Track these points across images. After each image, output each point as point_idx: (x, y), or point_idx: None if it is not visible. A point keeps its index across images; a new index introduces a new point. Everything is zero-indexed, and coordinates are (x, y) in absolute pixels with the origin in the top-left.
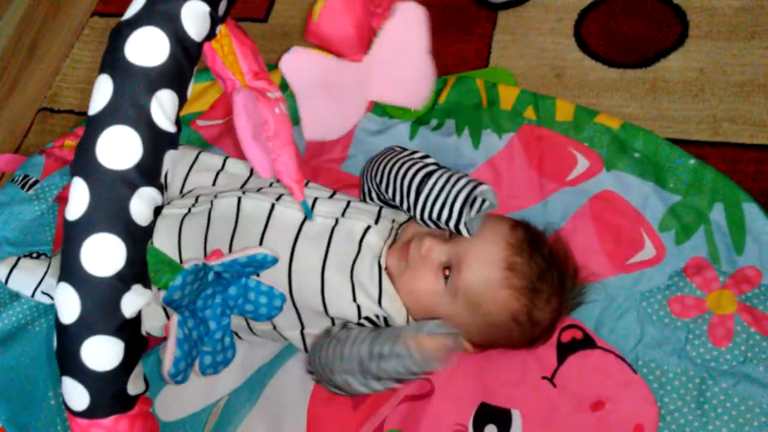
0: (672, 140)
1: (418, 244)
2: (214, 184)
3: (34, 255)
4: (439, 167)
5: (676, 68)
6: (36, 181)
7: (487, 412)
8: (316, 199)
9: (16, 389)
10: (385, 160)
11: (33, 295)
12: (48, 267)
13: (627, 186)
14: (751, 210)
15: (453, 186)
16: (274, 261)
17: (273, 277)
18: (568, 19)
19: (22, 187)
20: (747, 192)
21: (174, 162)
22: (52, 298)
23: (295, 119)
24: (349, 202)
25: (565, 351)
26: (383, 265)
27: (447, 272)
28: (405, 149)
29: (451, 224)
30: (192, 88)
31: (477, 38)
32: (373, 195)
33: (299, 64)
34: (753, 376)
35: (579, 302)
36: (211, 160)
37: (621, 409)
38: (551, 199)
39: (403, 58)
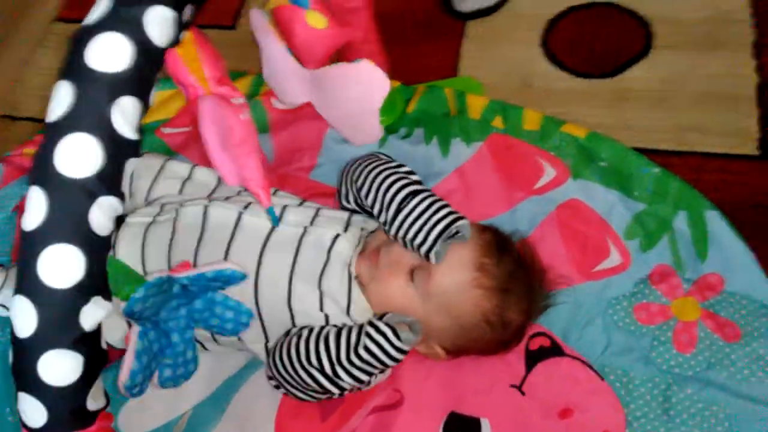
0: (637, 149)
1: (388, 250)
2: (180, 192)
3: (8, 267)
4: (424, 189)
5: (641, 78)
6: None
7: (457, 421)
8: (285, 207)
9: None
10: (370, 166)
11: None
12: (5, 279)
13: (593, 194)
14: (713, 218)
15: (434, 214)
16: (243, 277)
17: (239, 287)
18: (536, 30)
19: None
20: (710, 200)
21: (139, 170)
22: (8, 310)
23: (262, 127)
24: (318, 210)
25: (533, 359)
26: (353, 273)
27: (412, 275)
28: (391, 159)
29: (423, 250)
30: (157, 96)
31: (446, 48)
32: (350, 198)
33: (259, 28)
34: (717, 382)
35: (547, 305)
36: (177, 168)
37: (589, 416)
38: (519, 208)
39: (345, 102)
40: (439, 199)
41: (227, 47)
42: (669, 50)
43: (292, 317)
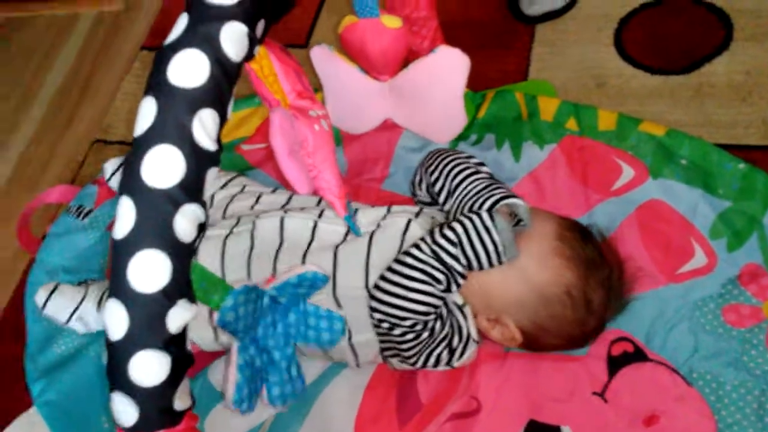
0: (720, 145)
1: None
2: (253, 207)
3: (89, 281)
4: (489, 175)
5: (721, 72)
6: (90, 211)
7: (537, 429)
8: (356, 210)
9: (71, 415)
10: (443, 155)
11: (67, 322)
12: (85, 293)
13: (674, 194)
14: None
15: (491, 186)
16: (325, 279)
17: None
18: (607, 29)
19: (77, 216)
20: None
21: (213, 190)
22: (87, 325)
23: (337, 140)
24: (389, 208)
25: (615, 365)
26: None
27: None
28: (465, 153)
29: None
30: (236, 114)
31: (516, 52)
32: (423, 186)
33: (323, 59)
34: None
35: (628, 301)
36: (255, 188)
37: (676, 423)
38: (596, 210)
39: (430, 97)
40: (502, 184)
41: (305, 65)
42: (750, 42)
43: None
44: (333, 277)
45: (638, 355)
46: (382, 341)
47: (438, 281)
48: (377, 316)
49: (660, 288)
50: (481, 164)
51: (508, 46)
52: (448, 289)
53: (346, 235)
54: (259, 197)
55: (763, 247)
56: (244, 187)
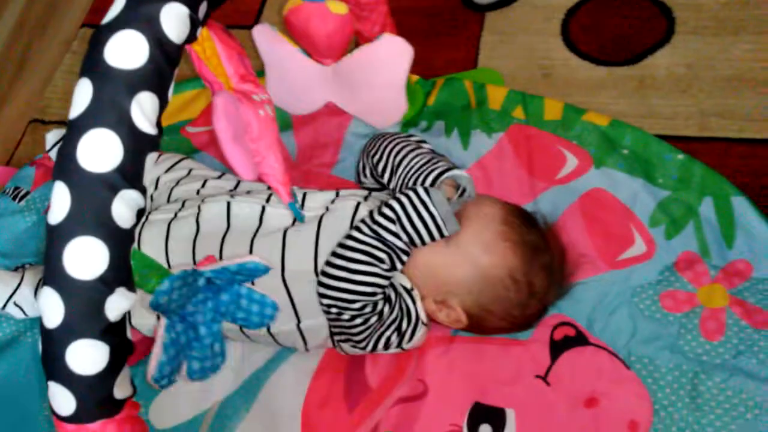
0: (661, 136)
1: None
2: (199, 191)
3: (27, 266)
4: (431, 151)
5: (663, 65)
6: (27, 193)
7: (482, 412)
8: (305, 194)
9: (8, 402)
10: (384, 138)
11: (4, 308)
12: (21, 278)
13: (616, 183)
14: (740, 204)
15: (433, 160)
16: (266, 270)
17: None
18: (555, 19)
19: (13, 198)
20: (736, 186)
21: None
22: (24, 311)
23: (285, 125)
24: (337, 192)
25: (557, 349)
26: None
27: None
28: (408, 134)
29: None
30: (181, 96)
31: (465, 40)
32: (367, 171)
33: (266, 39)
34: (746, 370)
35: (570, 286)
36: (202, 172)
37: (615, 405)
38: (541, 198)
39: (371, 83)
40: (443, 157)
41: (248, 48)
42: (691, 35)
43: None
44: (282, 260)
45: (579, 339)
46: (332, 327)
47: (381, 260)
48: (325, 301)
49: (601, 274)
50: (423, 141)
51: (458, 34)
52: (392, 268)
53: (294, 220)
54: (205, 182)
55: (699, 236)
56: (190, 171)
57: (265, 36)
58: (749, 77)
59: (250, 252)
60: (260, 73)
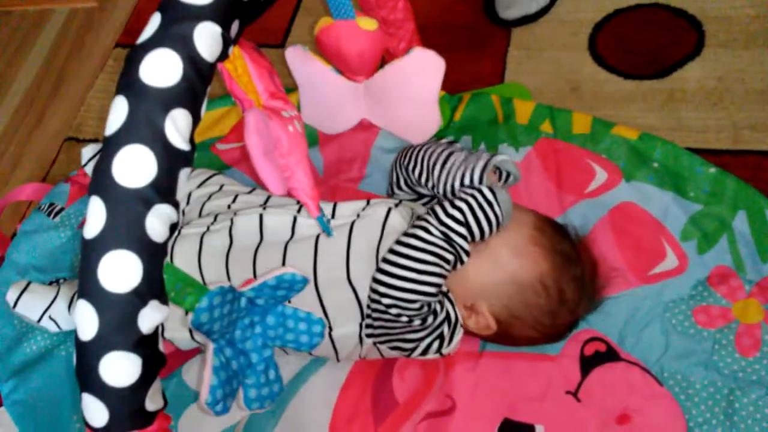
0: (692, 150)
1: None
2: (230, 205)
3: (61, 281)
4: (464, 149)
5: (693, 78)
6: (61, 209)
7: (511, 428)
8: (335, 204)
9: (42, 414)
10: (416, 148)
11: (39, 321)
12: (57, 292)
13: (647, 196)
14: None
15: (472, 155)
16: (304, 281)
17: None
18: (582, 33)
19: (48, 215)
20: None
21: (191, 188)
22: (58, 325)
23: (311, 140)
24: (368, 201)
25: (588, 364)
26: None
27: None
28: (437, 139)
29: (475, 181)
30: (211, 114)
31: (492, 55)
32: (401, 182)
33: (299, 60)
34: None
35: (601, 300)
36: (233, 188)
37: (648, 422)
38: (570, 212)
39: (404, 98)
40: (478, 153)
41: (277, 65)
42: (722, 48)
43: (356, 294)
44: (314, 268)
45: (611, 355)
46: (381, 329)
47: (447, 261)
48: (386, 300)
49: (632, 289)
50: (453, 143)
51: (484, 50)
52: (454, 268)
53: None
54: (236, 197)
55: (733, 250)
56: (221, 186)
57: (297, 57)
58: None
59: (283, 261)
60: (289, 90)
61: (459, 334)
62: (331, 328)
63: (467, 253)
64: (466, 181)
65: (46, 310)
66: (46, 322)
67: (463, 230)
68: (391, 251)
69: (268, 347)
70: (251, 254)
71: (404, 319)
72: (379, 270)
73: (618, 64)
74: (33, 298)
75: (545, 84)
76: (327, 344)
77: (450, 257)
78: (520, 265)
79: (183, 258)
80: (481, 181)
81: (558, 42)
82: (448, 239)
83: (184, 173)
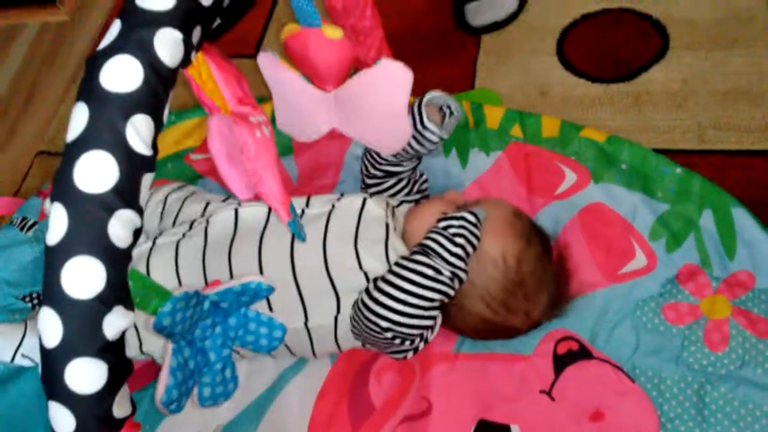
0: (658, 150)
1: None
2: (204, 212)
3: (34, 295)
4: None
5: (659, 80)
6: (34, 223)
7: (487, 429)
8: (309, 197)
9: (16, 427)
10: None
11: (12, 360)
12: (24, 329)
13: (615, 197)
14: (740, 215)
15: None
16: (269, 290)
17: (277, 269)
18: (550, 39)
19: (21, 229)
20: (735, 197)
21: (168, 191)
22: (33, 360)
23: (286, 149)
24: (341, 194)
25: (561, 363)
26: (391, 225)
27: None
28: None
29: (419, 126)
30: (184, 124)
31: (462, 62)
32: (370, 167)
33: (270, 66)
34: (751, 379)
35: (567, 303)
36: (208, 196)
37: (621, 419)
38: (541, 214)
39: (373, 109)
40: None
41: (250, 75)
42: (686, 51)
43: (333, 284)
44: (291, 257)
45: (583, 354)
46: (370, 343)
47: (450, 296)
48: (384, 324)
49: (603, 288)
50: None
51: (454, 56)
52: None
53: (301, 216)
54: (208, 204)
55: (700, 248)
56: (193, 192)
57: (268, 63)
58: (744, 90)
59: (259, 251)
60: (262, 99)
61: (439, 317)
62: (307, 317)
63: (464, 281)
64: (417, 123)
65: (17, 349)
66: (20, 361)
67: (464, 265)
68: (395, 277)
69: (227, 347)
70: (227, 248)
71: (397, 342)
72: (382, 292)
73: (586, 69)
74: (1, 339)
75: (515, 89)
76: (303, 335)
77: (452, 292)
78: (488, 237)
79: (159, 270)
80: (422, 117)
81: (527, 48)
82: (454, 276)
83: (147, 178)
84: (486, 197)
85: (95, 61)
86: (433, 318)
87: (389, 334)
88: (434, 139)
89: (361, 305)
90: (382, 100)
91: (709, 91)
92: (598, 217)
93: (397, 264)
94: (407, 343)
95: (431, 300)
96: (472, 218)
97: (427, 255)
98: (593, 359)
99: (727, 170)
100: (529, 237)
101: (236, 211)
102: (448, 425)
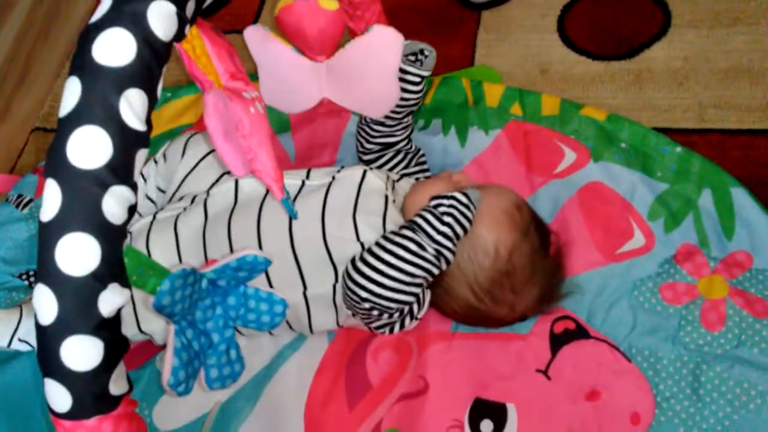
0: (659, 129)
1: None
2: (211, 188)
3: (31, 273)
4: None
5: (660, 58)
6: (30, 200)
7: (483, 407)
8: (309, 170)
9: (14, 405)
10: None
11: (9, 345)
12: (21, 314)
13: (615, 176)
14: (739, 195)
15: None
16: (267, 263)
17: (276, 233)
18: (551, 15)
19: (17, 206)
20: (735, 177)
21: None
22: (31, 345)
23: (284, 126)
24: (341, 167)
25: (558, 342)
26: (390, 198)
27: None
28: None
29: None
30: (181, 101)
31: (461, 38)
32: (365, 140)
33: (258, 40)
34: (747, 359)
35: (558, 296)
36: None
37: (617, 398)
38: (540, 193)
39: (365, 74)
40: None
41: (243, 51)
42: (687, 28)
43: (329, 254)
44: (289, 228)
45: (580, 333)
46: (355, 313)
47: (433, 274)
48: (363, 294)
49: (601, 267)
50: None
51: (454, 33)
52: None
53: (302, 187)
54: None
55: (698, 228)
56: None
57: (257, 36)
58: (746, 68)
59: (258, 222)
60: (253, 76)
61: (428, 294)
62: (305, 287)
63: (450, 261)
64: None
65: (13, 334)
66: (17, 345)
67: (451, 245)
68: (380, 250)
69: (230, 327)
70: (226, 221)
71: (375, 313)
72: (365, 263)
73: (586, 46)
74: None
75: (515, 66)
76: (301, 306)
77: (435, 270)
78: (484, 225)
79: (159, 239)
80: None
81: (527, 24)
82: (441, 256)
83: (141, 154)
84: (493, 184)
85: (87, 34)
86: (415, 295)
87: (367, 305)
88: (416, 80)
89: (345, 273)
90: (374, 64)
91: (710, 70)
92: (597, 196)
93: (383, 236)
94: (385, 316)
95: (413, 275)
96: (463, 199)
97: (413, 230)
98: (590, 338)
99: (727, 149)
100: (527, 230)
101: (236, 182)
102: (445, 403)
